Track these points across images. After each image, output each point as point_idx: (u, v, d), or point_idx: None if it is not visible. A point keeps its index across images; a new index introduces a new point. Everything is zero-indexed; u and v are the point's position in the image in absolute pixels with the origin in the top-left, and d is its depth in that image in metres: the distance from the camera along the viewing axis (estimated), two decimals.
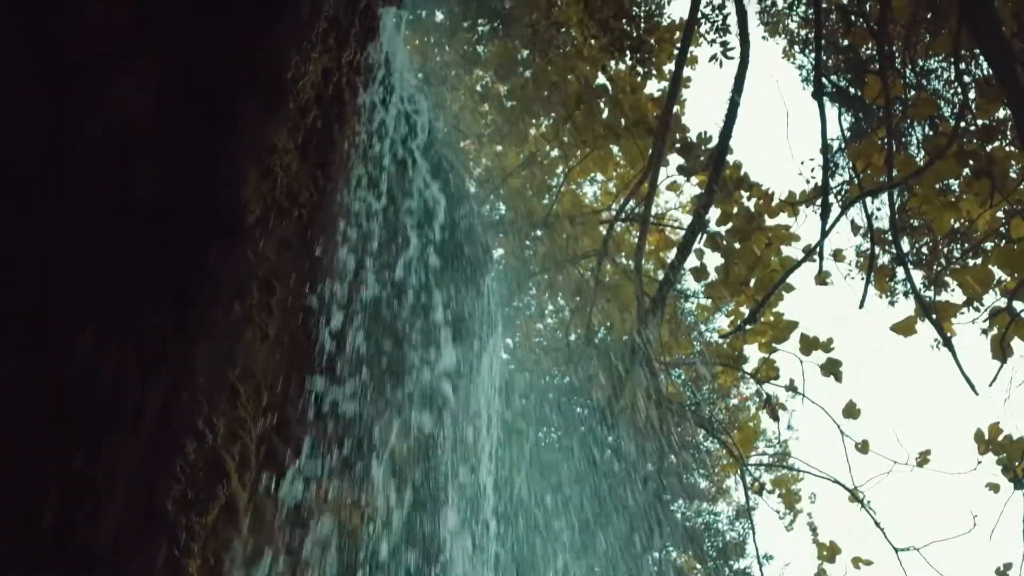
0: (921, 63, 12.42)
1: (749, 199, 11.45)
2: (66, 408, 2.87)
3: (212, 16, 3.62)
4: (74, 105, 3.27)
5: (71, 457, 2.82)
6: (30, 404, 2.85)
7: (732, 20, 12.49)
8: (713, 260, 11.53)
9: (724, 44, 12.45)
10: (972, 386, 8.68)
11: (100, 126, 3.27)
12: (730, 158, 11.16)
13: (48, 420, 2.85)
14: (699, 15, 12.06)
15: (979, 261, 11.13)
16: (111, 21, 3.43)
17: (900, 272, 12.17)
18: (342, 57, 4.15)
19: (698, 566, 18.42)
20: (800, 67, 14.81)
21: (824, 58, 11.43)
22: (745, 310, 11.75)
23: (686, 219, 14.35)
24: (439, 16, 12.05)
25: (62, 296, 3.02)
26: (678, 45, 11.92)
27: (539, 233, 12.69)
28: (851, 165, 11.21)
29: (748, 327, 11.12)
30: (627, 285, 11.92)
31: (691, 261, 11.25)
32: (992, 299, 10.03)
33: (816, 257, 10.45)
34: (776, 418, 12.91)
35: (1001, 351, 8.87)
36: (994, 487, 10.80)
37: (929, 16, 11.38)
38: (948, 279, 11.55)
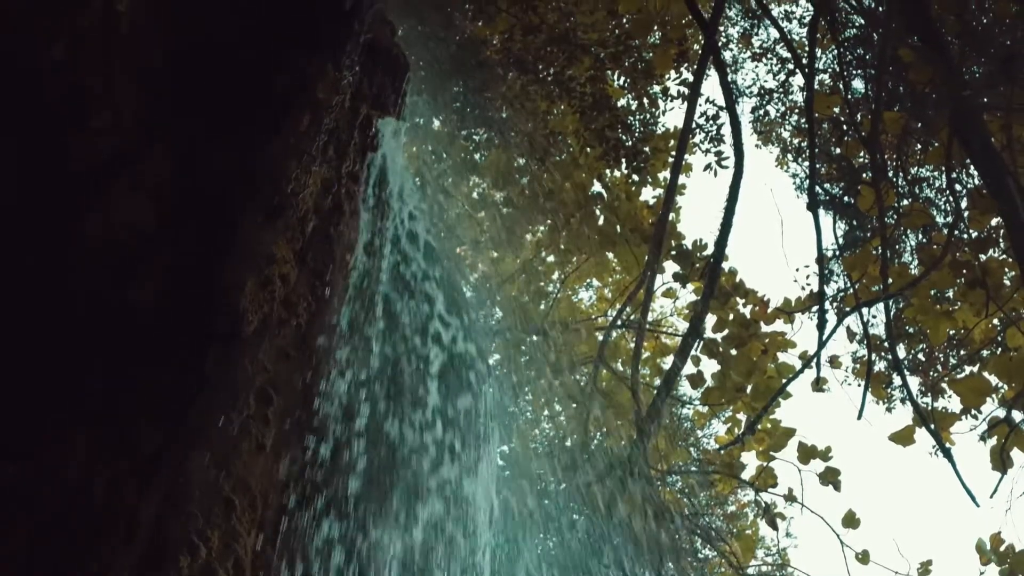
0: (913, 171, 12.57)
1: (745, 306, 11.48)
2: (59, 516, 2.84)
3: (214, 127, 3.67)
4: (75, 210, 3.30)
5: (63, 566, 2.78)
6: (22, 510, 2.82)
7: (726, 130, 12.67)
8: (710, 367, 11.53)
9: (718, 154, 12.60)
10: (973, 498, 8.60)
11: (100, 232, 3.28)
12: (725, 265, 11.23)
13: (40, 527, 2.81)
14: (693, 125, 12.22)
15: (976, 368, 11.12)
16: (114, 130, 3.47)
17: (897, 379, 12.14)
18: (342, 167, 4.19)
19: None
20: (794, 175, 14.99)
21: (817, 166, 11.57)
22: (742, 416, 11.70)
23: (682, 325, 14.39)
24: (437, 124, 12.20)
25: (57, 402, 3.00)
26: (673, 154, 12.06)
27: (535, 339, 12.68)
28: (846, 274, 11.27)
29: (746, 437, 11.06)
30: (623, 392, 11.88)
31: (688, 368, 11.24)
32: (990, 407, 10.00)
33: (813, 365, 10.44)
34: (775, 527, 12.76)
35: (1001, 462, 8.81)
36: None
37: (920, 125, 11.55)
38: (945, 386, 11.53)
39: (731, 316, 11.35)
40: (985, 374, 10.10)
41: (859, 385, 11.94)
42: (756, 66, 14.88)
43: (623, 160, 12.19)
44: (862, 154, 12.07)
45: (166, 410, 3.08)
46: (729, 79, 12.05)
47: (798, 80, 14.31)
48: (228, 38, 3.93)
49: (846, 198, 12.81)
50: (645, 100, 12.88)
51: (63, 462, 2.90)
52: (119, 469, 2.94)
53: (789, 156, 14.96)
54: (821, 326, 9.93)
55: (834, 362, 12.37)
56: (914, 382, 12.52)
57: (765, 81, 14.89)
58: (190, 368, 3.18)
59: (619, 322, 12.76)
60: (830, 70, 13.49)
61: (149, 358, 3.14)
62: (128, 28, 3.57)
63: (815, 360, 10.22)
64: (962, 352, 12.05)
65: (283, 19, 4.04)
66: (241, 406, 3.22)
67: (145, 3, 3.63)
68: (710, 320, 11.21)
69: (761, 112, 14.62)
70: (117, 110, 3.50)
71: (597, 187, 12.64)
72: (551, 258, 13.67)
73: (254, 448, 3.23)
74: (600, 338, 12.63)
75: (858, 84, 12.78)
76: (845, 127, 12.41)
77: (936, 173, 12.36)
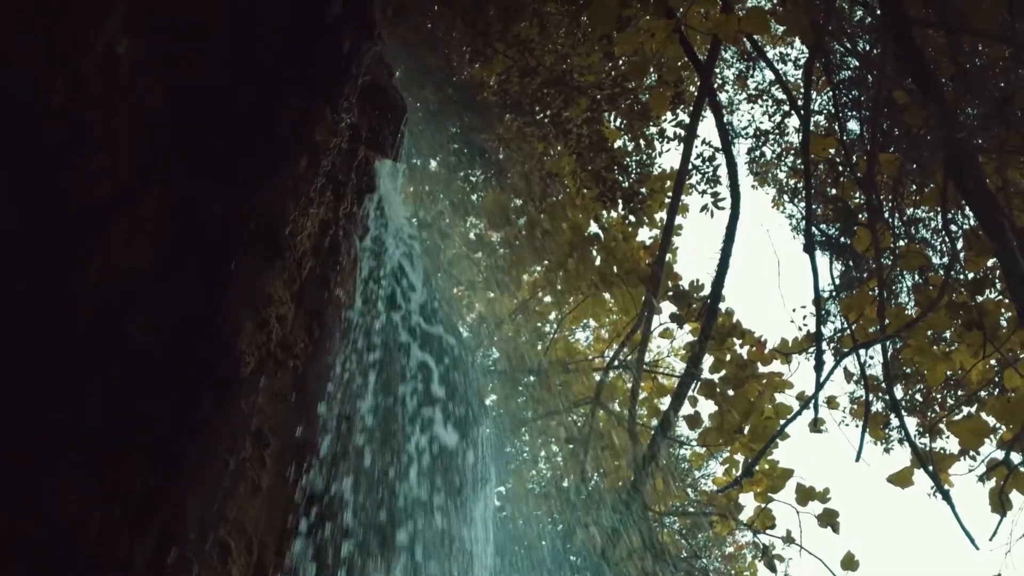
0: (909, 212, 12.62)
1: (742, 347, 11.47)
2: (51, 559, 2.81)
3: (212, 169, 3.68)
4: (73, 252, 3.30)
5: None
6: (14, 553, 2.79)
7: (722, 171, 12.72)
8: (707, 407, 11.50)
9: (715, 195, 12.65)
10: (972, 540, 8.54)
11: (98, 274, 3.28)
12: (722, 305, 11.22)
13: (32, 571, 2.79)
14: (690, 166, 12.26)
15: (974, 409, 11.10)
16: (113, 171, 3.48)
17: (894, 420, 12.11)
18: (339, 209, 4.20)
19: None
20: (790, 216, 15.06)
21: (813, 207, 11.60)
22: (739, 457, 11.66)
23: (679, 366, 14.37)
24: (434, 165, 12.24)
25: (50, 443, 2.98)
26: (670, 195, 12.09)
27: (532, 380, 12.66)
28: (843, 315, 11.28)
29: (744, 479, 11.01)
30: (621, 432, 11.85)
31: (685, 408, 11.21)
32: (989, 448, 9.96)
33: (811, 406, 10.41)
34: (773, 569, 12.66)
35: (1000, 504, 8.75)
36: None
37: (915, 167, 11.59)
38: (943, 427, 11.50)
39: (728, 357, 11.33)
40: (983, 415, 10.07)
41: (857, 426, 11.94)
42: (752, 108, 15.01)
43: (620, 201, 12.22)
44: (858, 195, 12.12)
45: (162, 452, 3.07)
46: (725, 121, 12.13)
47: (794, 122, 14.47)
48: (227, 80, 3.95)
49: (843, 239, 12.85)
50: (641, 141, 12.94)
51: (56, 504, 2.88)
52: (113, 512, 2.92)
53: (785, 197, 15.05)
54: (819, 367, 9.92)
55: (832, 403, 12.34)
56: (912, 423, 12.52)
57: (761, 123, 15.02)
58: (187, 410, 3.17)
59: (616, 363, 12.74)
60: (825, 112, 13.61)
61: (145, 399, 3.13)
62: (128, 69, 3.59)
63: (813, 401, 10.20)
64: (960, 393, 12.04)
65: (281, 62, 4.06)
66: (238, 448, 3.21)
67: (145, 45, 3.65)
68: (707, 361, 11.21)
69: (757, 153, 14.74)
70: (116, 151, 3.51)
71: (594, 228, 12.67)
72: (548, 299, 13.67)
73: (250, 491, 3.21)
74: (597, 379, 12.61)
75: (853, 126, 12.87)
76: (841, 168, 12.47)
77: (932, 214, 12.41)
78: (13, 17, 3.36)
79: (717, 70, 13.96)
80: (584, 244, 12.25)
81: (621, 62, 12.15)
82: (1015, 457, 8.97)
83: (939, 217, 10.99)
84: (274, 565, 3.27)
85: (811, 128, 11.07)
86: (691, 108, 12.35)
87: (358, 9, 4.36)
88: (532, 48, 11.13)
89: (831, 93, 12.44)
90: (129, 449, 3.03)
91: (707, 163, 12.97)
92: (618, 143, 12.79)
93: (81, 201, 3.39)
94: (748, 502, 11.99)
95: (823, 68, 11.89)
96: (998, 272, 9.93)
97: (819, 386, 9.95)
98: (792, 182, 14.79)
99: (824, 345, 10.92)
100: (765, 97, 14.54)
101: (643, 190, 12.46)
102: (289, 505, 3.42)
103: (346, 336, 4.15)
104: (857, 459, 9.99)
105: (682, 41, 10.77)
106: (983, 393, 11.17)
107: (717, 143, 12.73)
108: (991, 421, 9.79)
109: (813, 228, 10.91)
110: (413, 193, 11.89)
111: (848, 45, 12.29)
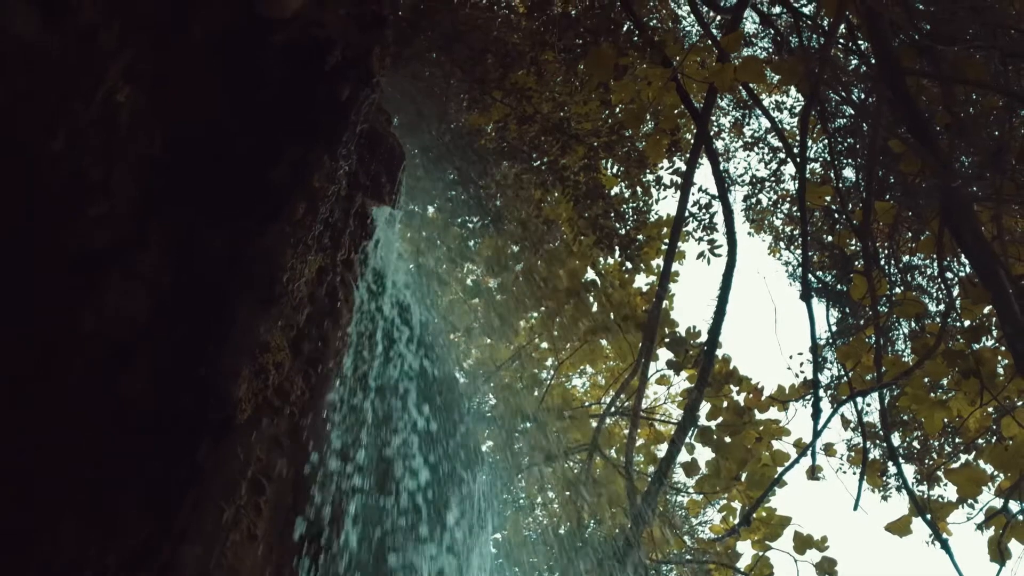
0: (905, 259, 12.63)
1: (739, 394, 11.45)
2: None
3: (211, 215, 3.69)
4: (69, 300, 3.30)
5: None
6: None
7: (719, 218, 12.75)
8: (704, 454, 11.46)
9: (711, 242, 12.66)
10: None
11: (95, 320, 3.28)
12: (719, 352, 11.20)
13: None
14: (686, 213, 12.28)
15: (972, 457, 11.06)
16: (111, 219, 3.49)
17: (892, 467, 12.06)
18: (336, 256, 4.21)
19: None
20: (786, 263, 15.07)
21: (810, 254, 11.61)
22: (737, 504, 11.60)
23: (676, 412, 14.34)
24: (431, 211, 12.27)
25: (47, 489, 2.97)
26: (666, 241, 12.11)
27: (529, 426, 12.62)
28: (840, 363, 11.26)
29: (742, 526, 10.94)
30: (617, 479, 11.79)
31: (682, 455, 11.16)
32: (987, 496, 9.91)
33: (808, 454, 10.37)
34: None
35: (999, 554, 8.69)
36: None
37: (911, 214, 11.62)
38: (941, 474, 11.46)
39: (725, 404, 11.30)
40: (981, 463, 10.04)
41: (854, 473, 11.87)
42: (748, 155, 15.09)
43: (617, 248, 12.23)
44: (854, 242, 12.13)
45: (157, 499, 3.06)
46: (721, 168, 12.18)
47: (789, 169, 14.47)
48: (226, 127, 3.96)
49: (839, 286, 12.86)
50: (638, 188, 12.97)
51: (51, 551, 2.87)
52: (108, 559, 2.91)
53: (782, 244, 15.06)
54: (816, 415, 9.89)
55: (829, 450, 12.29)
56: (910, 470, 12.46)
57: (757, 170, 15.09)
58: (182, 457, 3.16)
59: (613, 409, 12.70)
60: (821, 159, 13.65)
61: (141, 446, 3.12)
62: (128, 118, 3.61)
63: (810, 448, 10.16)
64: (957, 441, 11.99)
65: (280, 109, 4.08)
66: (234, 495, 3.20)
67: (146, 94, 3.67)
68: (704, 408, 11.17)
69: (753, 200, 14.75)
70: (115, 199, 3.52)
71: (591, 274, 12.67)
72: (544, 345, 13.66)
73: (246, 538, 3.20)
74: (594, 425, 12.56)
75: (849, 173, 12.90)
76: (837, 216, 12.49)
77: (928, 262, 12.42)
78: (15, 65, 3.38)
79: (713, 118, 14.01)
80: (581, 290, 12.26)
81: (618, 110, 12.21)
82: (1013, 506, 8.93)
83: (935, 265, 11.01)
84: None
85: (807, 176, 11.10)
86: (688, 155, 12.38)
87: (357, 57, 4.39)
88: (530, 96, 11.18)
89: (827, 141, 12.50)
90: (124, 496, 3.02)
91: (704, 210, 13.01)
92: (615, 190, 12.82)
93: (79, 248, 3.40)
94: (746, 550, 11.91)
95: (819, 116, 11.95)
96: (994, 320, 9.93)
97: (816, 433, 9.92)
98: (788, 229, 14.81)
99: (821, 392, 10.89)
100: (761, 145, 14.59)
101: (640, 237, 12.48)
102: (285, 552, 3.40)
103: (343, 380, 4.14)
104: (855, 507, 9.93)
105: (679, 89, 10.83)
106: (981, 441, 11.13)
107: (714, 190, 12.80)
108: (989, 469, 9.75)
109: (809, 275, 10.92)
110: (411, 238, 11.91)
111: (843, 94, 12.34)
